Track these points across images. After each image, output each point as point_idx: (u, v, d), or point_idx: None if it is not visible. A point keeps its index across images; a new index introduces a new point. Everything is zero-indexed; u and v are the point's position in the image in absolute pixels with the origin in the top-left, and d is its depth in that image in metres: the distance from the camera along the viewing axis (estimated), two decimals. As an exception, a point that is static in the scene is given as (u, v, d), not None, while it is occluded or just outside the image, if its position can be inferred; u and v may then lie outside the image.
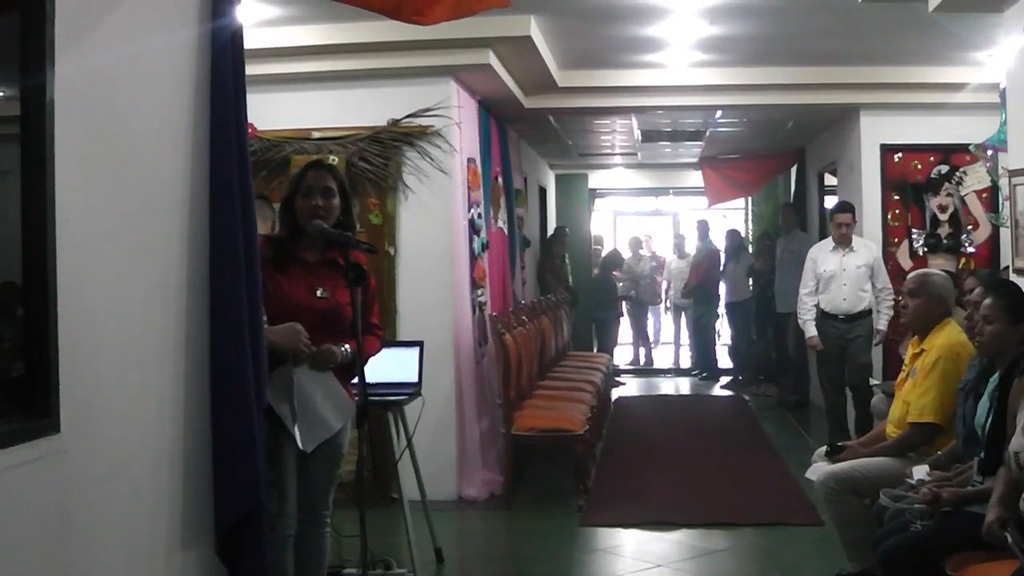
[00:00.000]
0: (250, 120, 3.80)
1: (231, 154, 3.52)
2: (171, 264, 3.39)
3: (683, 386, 14.11)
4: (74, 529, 2.84)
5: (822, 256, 8.50)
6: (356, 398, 4.30)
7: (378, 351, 4.53)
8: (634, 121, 11.52)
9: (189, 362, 3.46)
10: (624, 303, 15.18)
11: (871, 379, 8.27)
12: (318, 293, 4.29)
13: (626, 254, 15.63)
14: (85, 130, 2.91)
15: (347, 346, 4.25)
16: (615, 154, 15.15)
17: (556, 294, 11.94)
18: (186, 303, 3.45)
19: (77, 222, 2.84)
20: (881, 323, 8.34)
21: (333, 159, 7.29)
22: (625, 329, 15.49)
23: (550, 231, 14.11)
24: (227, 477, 3.50)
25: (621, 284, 14.95)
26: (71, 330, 2.80)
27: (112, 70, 3.07)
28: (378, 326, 4.58)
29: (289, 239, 4.35)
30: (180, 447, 3.42)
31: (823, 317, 8.40)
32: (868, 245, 8.56)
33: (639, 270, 15.74)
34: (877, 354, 8.69)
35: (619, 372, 14.38)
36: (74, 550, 2.84)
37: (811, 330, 8.41)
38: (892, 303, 8.19)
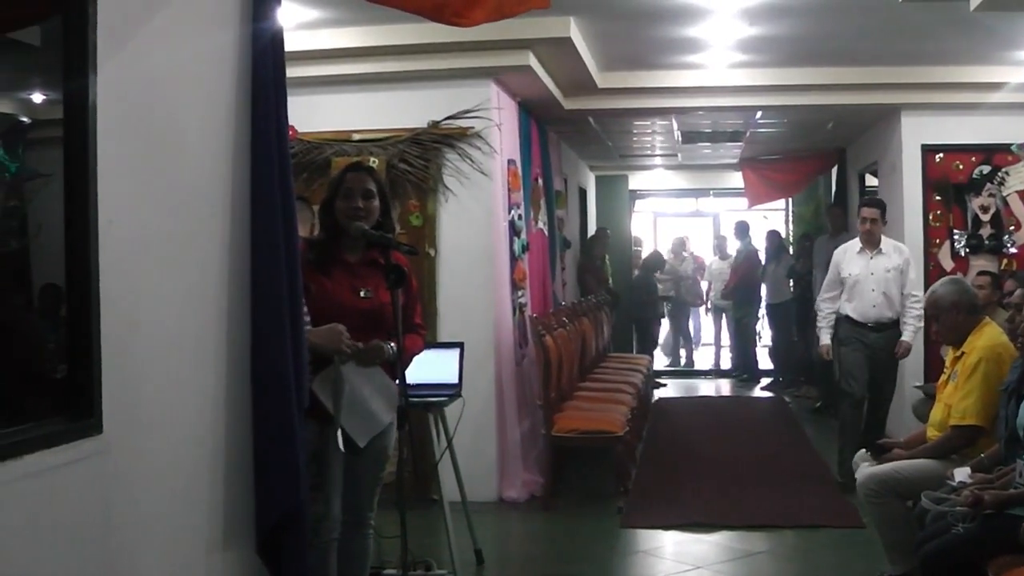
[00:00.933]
0: (291, 122, 3.80)
1: (272, 156, 3.53)
2: (212, 265, 3.40)
3: (723, 388, 14.04)
4: (116, 529, 2.85)
5: (847, 259, 7.80)
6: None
7: (421, 350, 4.52)
8: (674, 122, 11.46)
9: (230, 363, 3.47)
10: (665, 304, 15.12)
11: (915, 385, 8.13)
12: (361, 293, 4.29)
13: (667, 255, 15.56)
14: (127, 133, 2.92)
15: (392, 344, 4.25)
16: (655, 155, 15.09)
17: (596, 295, 11.91)
18: (227, 304, 3.46)
19: (120, 224, 2.85)
20: (907, 333, 7.61)
21: (373, 161, 7.31)
22: (665, 330, 15.43)
23: (590, 232, 14.08)
24: (268, 477, 3.50)
25: (662, 285, 14.90)
26: (113, 331, 2.82)
27: (154, 73, 3.08)
28: (421, 325, 4.57)
29: (330, 241, 4.36)
30: (222, 447, 3.42)
31: (852, 325, 7.70)
32: (899, 247, 7.85)
33: (682, 271, 15.68)
34: (917, 357, 8.50)
35: (659, 373, 14.34)
36: (116, 550, 2.85)
37: (825, 338, 7.83)
38: (920, 312, 7.39)
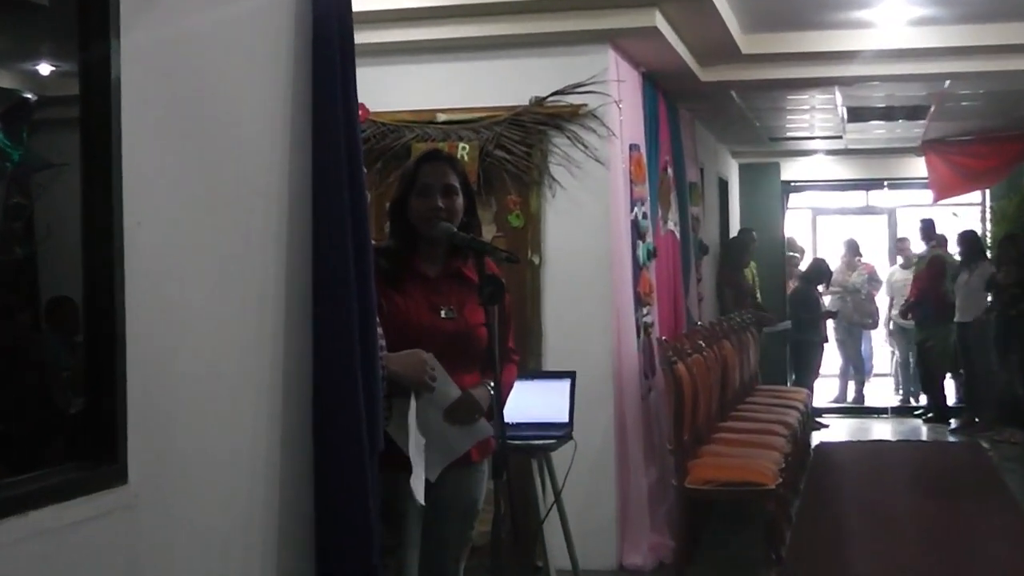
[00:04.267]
0: (361, 100, 3.81)
1: (338, 142, 3.55)
2: (266, 277, 3.42)
3: (903, 430, 13.84)
4: (145, 600, 2.87)
5: None
6: (494, 442, 4.29)
7: (514, 381, 4.53)
8: (838, 95, 11.35)
9: (287, 397, 3.48)
10: (831, 324, 14.94)
11: None
12: (442, 312, 4.29)
13: (833, 263, 15.37)
14: (159, 114, 2.94)
15: (492, 384, 4.21)
16: (814, 138, 14.94)
17: (741, 313, 11.82)
18: (284, 325, 3.48)
19: (150, 226, 2.87)
20: None
21: (463, 147, 7.35)
22: (830, 357, 15.24)
23: (733, 233, 14.00)
24: (333, 536, 3.51)
25: (829, 300, 14.74)
26: (142, 358, 2.83)
27: (192, 40, 3.10)
28: (514, 350, 4.57)
29: (403, 248, 4.36)
30: (275, 500, 3.44)
31: None
32: None
33: (852, 282, 15.49)
34: None
35: (821, 412, 14.17)
36: (145, 625, 2.87)
37: None
38: None
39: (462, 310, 4.29)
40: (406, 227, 4.36)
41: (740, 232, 13.70)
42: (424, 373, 4.08)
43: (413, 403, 4.12)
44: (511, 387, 4.48)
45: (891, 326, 15.80)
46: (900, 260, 15.47)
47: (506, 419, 4.13)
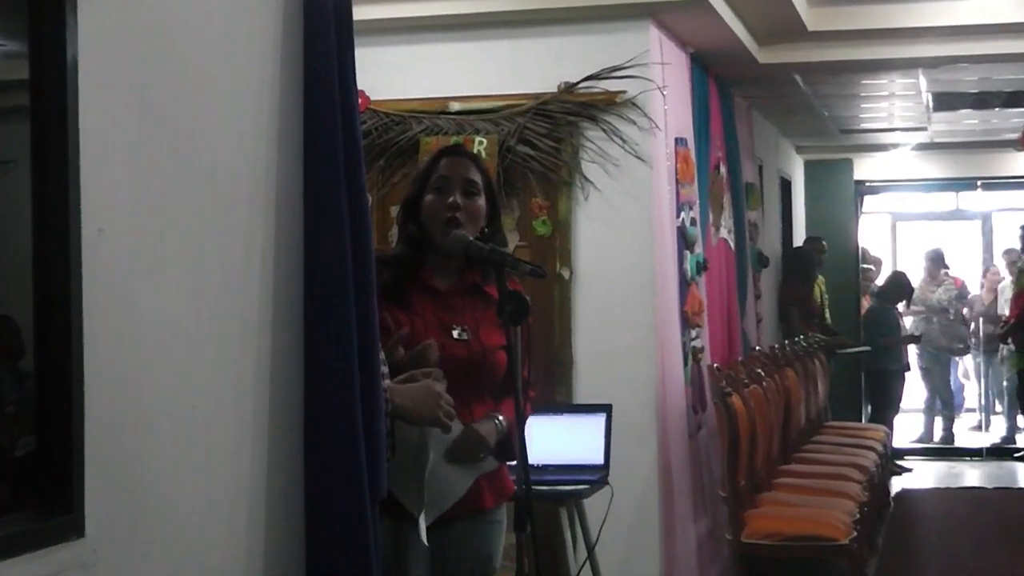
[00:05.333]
0: (361, 87, 3.83)
1: (334, 136, 3.54)
2: (249, 295, 3.41)
3: (1000, 474, 13.79)
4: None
5: None
6: (512, 484, 4.33)
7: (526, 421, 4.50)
8: (922, 79, 11.34)
9: (274, 436, 3.47)
10: (913, 349, 14.90)
11: None
12: (454, 333, 4.31)
13: (916, 278, 15.33)
14: (124, 102, 2.93)
15: (500, 417, 4.26)
16: (894, 130, 14.95)
17: (808, 336, 11.80)
18: (271, 350, 3.46)
19: (114, 234, 2.85)
20: None
21: (480, 143, 7.37)
22: (913, 389, 15.20)
23: (797, 243, 13.99)
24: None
25: (911, 321, 14.70)
26: (103, 389, 2.81)
27: (164, 16, 3.09)
28: (530, 382, 4.55)
29: (412, 257, 4.37)
30: (260, 558, 3.42)
31: None
32: None
33: (937, 300, 15.45)
34: None
35: (902, 453, 14.14)
36: None
37: None
38: None
39: (477, 330, 4.32)
40: (418, 231, 4.38)
41: (806, 241, 13.69)
42: (439, 408, 4.03)
43: (427, 445, 4.13)
44: (525, 421, 4.45)
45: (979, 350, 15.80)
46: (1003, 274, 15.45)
47: (532, 461, 4.17)
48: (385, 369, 3.88)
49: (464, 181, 4.35)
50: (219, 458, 3.29)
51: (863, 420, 13.70)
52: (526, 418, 4.44)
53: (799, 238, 14.30)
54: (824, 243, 13.53)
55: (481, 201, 4.36)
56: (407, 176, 6.98)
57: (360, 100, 3.85)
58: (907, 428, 15.28)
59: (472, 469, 4.26)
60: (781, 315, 12.75)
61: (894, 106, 13.21)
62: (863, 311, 14.60)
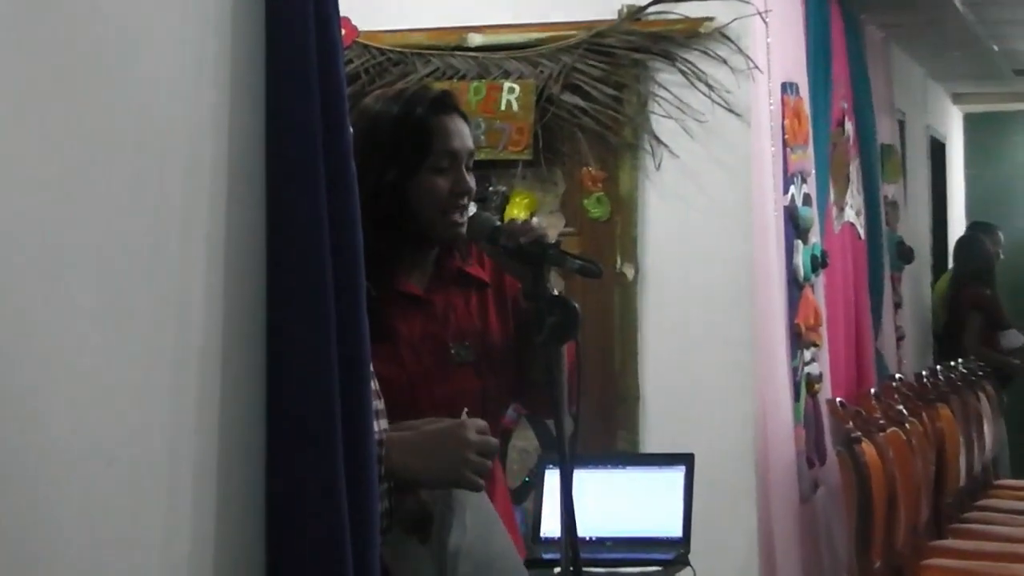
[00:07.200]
0: (345, 13, 3.82)
1: (307, 82, 3.49)
2: (189, 304, 3.35)
3: None
4: None
5: None
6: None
7: None
8: None
9: (224, 499, 3.42)
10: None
11: None
12: (452, 351, 4.35)
13: None
14: (19, 45, 2.89)
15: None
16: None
17: (974, 359, 11.80)
18: (219, 381, 3.41)
19: (8, 222, 2.82)
20: None
21: (511, 89, 7.39)
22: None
23: (954, 226, 13.99)
24: None
25: None
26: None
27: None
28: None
29: (386, 256, 4.36)
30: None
31: None
32: None
33: None
34: None
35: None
36: None
37: None
38: None
39: (483, 339, 4.36)
40: (400, 220, 4.40)
41: (971, 228, 13.73)
42: (465, 466, 3.98)
43: (448, 514, 4.08)
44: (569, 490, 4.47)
45: None
46: None
47: (583, 533, 4.17)
48: (379, 404, 3.86)
49: (468, 154, 4.46)
50: (147, 531, 3.26)
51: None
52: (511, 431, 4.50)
53: (957, 222, 14.32)
54: (1000, 231, 13.55)
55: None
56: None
57: (344, 32, 3.83)
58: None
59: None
60: (951, 326, 12.78)
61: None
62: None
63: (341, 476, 3.46)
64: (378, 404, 3.83)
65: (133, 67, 3.24)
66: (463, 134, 4.47)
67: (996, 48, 12.92)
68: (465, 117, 4.52)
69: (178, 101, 3.37)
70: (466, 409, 4.09)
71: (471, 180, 4.42)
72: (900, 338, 11.18)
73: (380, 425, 3.82)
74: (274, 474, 3.49)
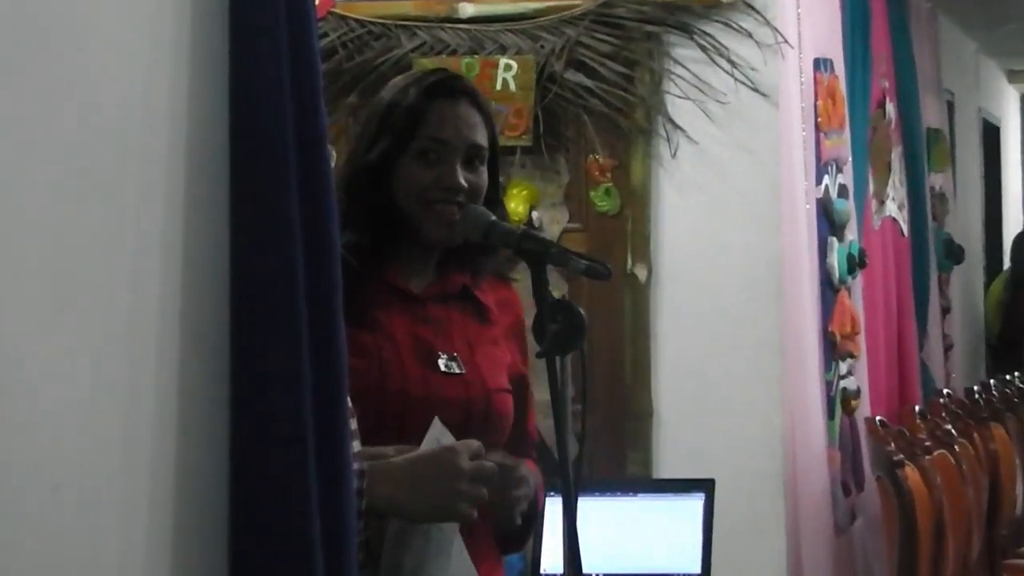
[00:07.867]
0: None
1: (275, 57, 3.45)
2: (141, 314, 3.31)
3: None
4: None
5: None
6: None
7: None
8: None
9: (182, 530, 3.39)
10: None
11: None
12: (440, 363, 4.33)
13: None
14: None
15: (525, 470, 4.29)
16: None
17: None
18: (176, 401, 3.39)
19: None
20: None
21: (508, 66, 7.38)
22: None
23: (1013, 226, 14.06)
24: None
25: None
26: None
27: None
28: (531, 439, 4.69)
29: (372, 246, 4.37)
30: None
31: None
32: None
33: None
34: None
35: None
36: None
37: None
38: None
39: (473, 358, 4.37)
40: (385, 209, 4.40)
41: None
42: (460, 496, 3.98)
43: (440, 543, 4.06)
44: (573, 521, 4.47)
45: None
46: None
47: (588, 569, 4.13)
48: (354, 424, 3.83)
49: (469, 147, 4.42)
50: (98, 561, 3.25)
51: None
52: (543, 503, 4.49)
53: (1013, 217, 14.42)
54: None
55: (484, 172, 4.46)
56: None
57: (318, 1, 3.80)
58: None
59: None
60: (991, 340, 12.83)
61: None
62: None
63: (312, 499, 3.45)
64: (354, 425, 3.82)
65: (81, 45, 3.23)
66: (465, 123, 4.43)
67: (1060, 17, 12.99)
68: (479, 106, 4.49)
69: (132, 83, 3.36)
70: (436, 417, 4.09)
71: (472, 176, 4.37)
72: (948, 348, 11.21)
73: (354, 447, 3.80)
74: (237, 501, 3.49)
